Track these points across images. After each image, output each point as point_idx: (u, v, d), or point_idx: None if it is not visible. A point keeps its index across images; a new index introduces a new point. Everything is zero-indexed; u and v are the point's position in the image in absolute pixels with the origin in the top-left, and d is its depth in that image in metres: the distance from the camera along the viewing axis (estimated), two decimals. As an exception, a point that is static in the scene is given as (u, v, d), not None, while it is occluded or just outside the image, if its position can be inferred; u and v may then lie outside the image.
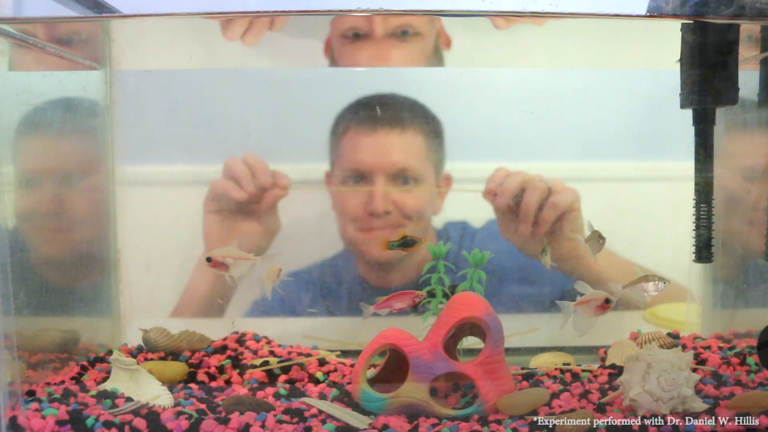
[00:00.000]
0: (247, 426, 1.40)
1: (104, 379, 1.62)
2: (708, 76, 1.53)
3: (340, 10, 1.47)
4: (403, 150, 2.24)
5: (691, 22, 1.50)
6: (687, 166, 1.63)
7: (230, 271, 1.62)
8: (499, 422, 1.45)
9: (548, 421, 1.42)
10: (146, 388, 1.55)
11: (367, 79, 2.20)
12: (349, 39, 2.08)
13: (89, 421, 1.40)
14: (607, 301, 1.52)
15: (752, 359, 1.76)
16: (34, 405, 1.45)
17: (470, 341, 1.65)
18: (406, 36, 2.09)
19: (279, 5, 1.54)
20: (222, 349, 1.87)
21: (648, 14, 1.52)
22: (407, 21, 2.05)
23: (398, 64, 2.18)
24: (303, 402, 1.54)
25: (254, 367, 1.74)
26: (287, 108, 2.15)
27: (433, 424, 1.44)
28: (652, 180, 2.22)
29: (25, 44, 1.58)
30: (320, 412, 1.49)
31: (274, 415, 1.45)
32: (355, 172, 2.21)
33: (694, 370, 1.67)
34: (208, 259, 1.61)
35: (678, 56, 1.58)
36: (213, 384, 1.68)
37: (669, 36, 1.61)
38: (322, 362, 1.80)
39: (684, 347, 1.88)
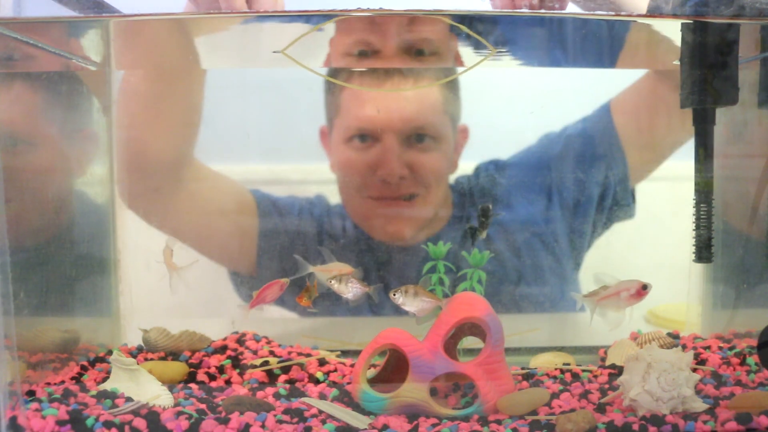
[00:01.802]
0: (247, 426, 1.40)
1: (104, 379, 1.62)
2: (708, 76, 1.53)
3: (341, 10, 1.46)
4: (419, 103, 1.96)
5: (691, 22, 1.50)
6: (687, 165, 1.63)
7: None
8: (499, 422, 1.45)
9: (548, 421, 1.42)
10: (146, 388, 1.55)
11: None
12: (354, 57, 1.80)
13: (89, 421, 1.40)
14: (644, 287, 1.50)
15: (752, 359, 1.76)
16: (34, 405, 1.45)
17: (470, 341, 1.65)
18: (422, 55, 1.80)
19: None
20: (222, 349, 1.87)
21: (648, 14, 1.52)
22: (426, 37, 1.71)
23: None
24: (303, 402, 1.54)
25: (254, 367, 1.74)
26: (287, 108, 2.15)
27: (433, 424, 1.44)
28: (652, 180, 2.22)
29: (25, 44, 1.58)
30: (320, 412, 1.49)
31: (274, 415, 1.45)
32: (360, 131, 1.94)
33: (694, 370, 1.67)
34: None
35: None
36: (213, 384, 1.68)
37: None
38: (322, 362, 1.80)
39: (684, 347, 1.88)
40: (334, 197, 2.15)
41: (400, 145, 1.96)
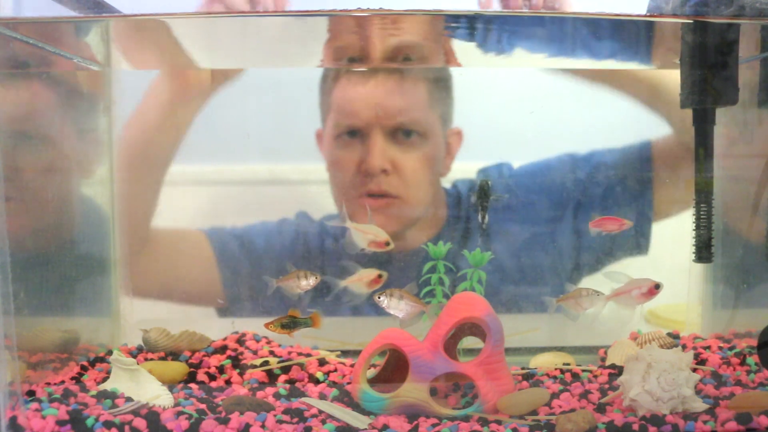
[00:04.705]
0: (247, 426, 1.40)
1: (104, 379, 1.62)
2: (708, 76, 1.53)
3: (341, 10, 1.47)
4: (404, 98, 1.98)
5: (691, 22, 1.50)
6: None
7: None
8: (499, 422, 1.45)
9: (548, 421, 1.42)
10: (146, 388, 1.55)
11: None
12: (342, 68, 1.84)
13: (89, 421, 1.40)
14: (657, 286, 1.51)
15: (752, 359, 1.76)
16: (34, 405, 1.45)
17: (470, 341, 1.65)
18: (408, 62, 1.85)
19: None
20: (222, 349, 1.87)
21: (648, 14, 1.52)
22: (408, 44, 1.72)
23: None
24: (303, 402, 1.54)
25: (254, 367, 1.74)
26: (287, 108, 2.15)
27: (433, 424, 1.44)
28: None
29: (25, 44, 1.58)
30: (320, 412, 1.49)
31: (274, 415, 1.45)
32: (346, 126, 1.98)
33: (694, 370, 1.67)
34: None
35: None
36: (213, 384, 1.68)
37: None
38: (322, 362, 1.80)
39: (684, 347, 1.88)
40: (327, 199, 2.16)
41: (385, 140, 1.97)
